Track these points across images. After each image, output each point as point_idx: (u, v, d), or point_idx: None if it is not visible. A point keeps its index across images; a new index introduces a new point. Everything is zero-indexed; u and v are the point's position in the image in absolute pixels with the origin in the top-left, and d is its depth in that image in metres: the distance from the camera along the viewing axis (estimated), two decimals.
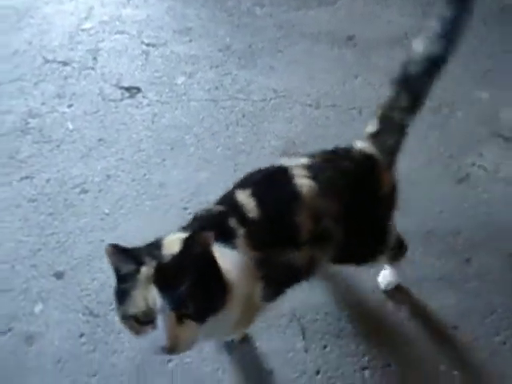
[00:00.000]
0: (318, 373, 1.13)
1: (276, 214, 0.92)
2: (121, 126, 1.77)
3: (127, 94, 1.87)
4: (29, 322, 1.27)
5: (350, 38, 2.06)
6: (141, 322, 0.78)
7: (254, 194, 0.94)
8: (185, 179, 1.57)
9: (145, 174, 1.61)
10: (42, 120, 1.80)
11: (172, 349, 0.78)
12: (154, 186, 1.58)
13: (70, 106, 1.84)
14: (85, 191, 1.59)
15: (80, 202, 1.55)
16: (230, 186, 0.97)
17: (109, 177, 1.62)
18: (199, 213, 0.98)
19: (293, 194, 0.92)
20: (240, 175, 1.00)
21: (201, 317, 0.79)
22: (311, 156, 1.01)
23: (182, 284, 0.76)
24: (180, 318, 0.77)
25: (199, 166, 1.61)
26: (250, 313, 0.92)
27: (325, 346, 1.17)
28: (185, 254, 0.79)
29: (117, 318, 0.81)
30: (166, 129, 1.74)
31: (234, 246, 0.89)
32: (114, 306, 1.06)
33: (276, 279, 0.91)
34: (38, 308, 1.30)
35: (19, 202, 1.57)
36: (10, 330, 1.26)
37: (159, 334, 0.76)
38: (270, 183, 0.97)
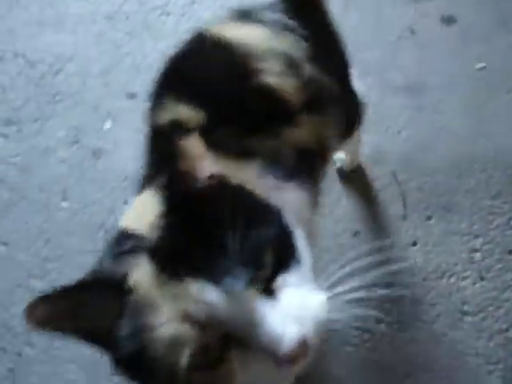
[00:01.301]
0: (414, 244, 0.93)
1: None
2: None
3: None
4: (97, 137, 1.15)
5: None
6: (211, 358, 0.40)
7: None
8: None
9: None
10: None
11: (300, 350, 0.40)
12: None
13: None
14: (166, 13, 1.35)
15: (160, 25, 1.31)
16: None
17: (194, 1, 1.44)
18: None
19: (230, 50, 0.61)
20: None
21: (289, 260, 0.44)
22: None
23: (224, 236, 0.41)
24: (267, 291, 0.41)
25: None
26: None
27: (428, 218, 0.95)
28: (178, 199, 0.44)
29: None
30: None
31: None
32: None
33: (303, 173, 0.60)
34: (107, 125, 1.16)
35: (95, 18, 1.37)
36: (77, 141, 1.15)
37: (259, 344, 0.39)
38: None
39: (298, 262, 0.43)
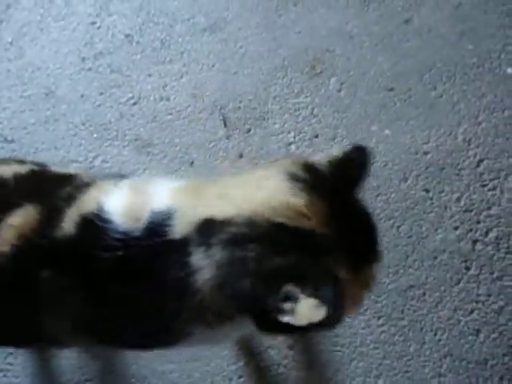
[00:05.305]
0: (240, 156, 0.99)
1: None
2: None
3: None
4: None
5: None
6: None
7: None
8: None
9: None
10: None
11: None
12: (58, 6, 1.29)
13: None
14: None
15: None
16: None
17: (8, 6, 1.36)
18: None
19: None
20: None
21: None
22: None
23: None
24: None
25: None
26: None
27: (248, 130, 1.01)
28: None
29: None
30: None
31: None
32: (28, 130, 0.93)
33: None
34: None
35: None
36: None
37: None
38: None
39: None
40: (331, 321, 0.44)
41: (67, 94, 1.13)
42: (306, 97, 1.02)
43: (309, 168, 0.51)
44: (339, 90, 1.03)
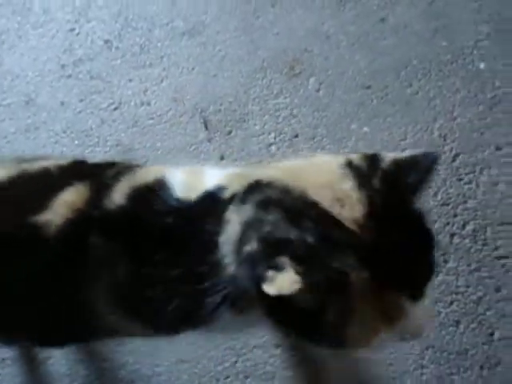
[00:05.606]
0: (222, 158, 0.99)
1: None
2: None
3: None
4: None
5: None
6: None
7: None
8: None
9: (24, 3, 1.29)
10: None
11: None
12: (36, 13, 1.29)
13: None
14: None
15: None
16: None
17: None
18: None
19: None
20: None
21: None
22: None
23: None
24: None
25: None
26: None
27: (229, 132, 1.02)
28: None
29: None
30: None
31: None
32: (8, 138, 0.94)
33: None
34: None
35: None
36: None
37: None
38: None
39: None
40: (329, 335, 0.43)
41: (47, 101, 1.13)
42: (286, 97, 1.04)
43: (369, 159, 0.49)
44: (318, 90, 1.05)
